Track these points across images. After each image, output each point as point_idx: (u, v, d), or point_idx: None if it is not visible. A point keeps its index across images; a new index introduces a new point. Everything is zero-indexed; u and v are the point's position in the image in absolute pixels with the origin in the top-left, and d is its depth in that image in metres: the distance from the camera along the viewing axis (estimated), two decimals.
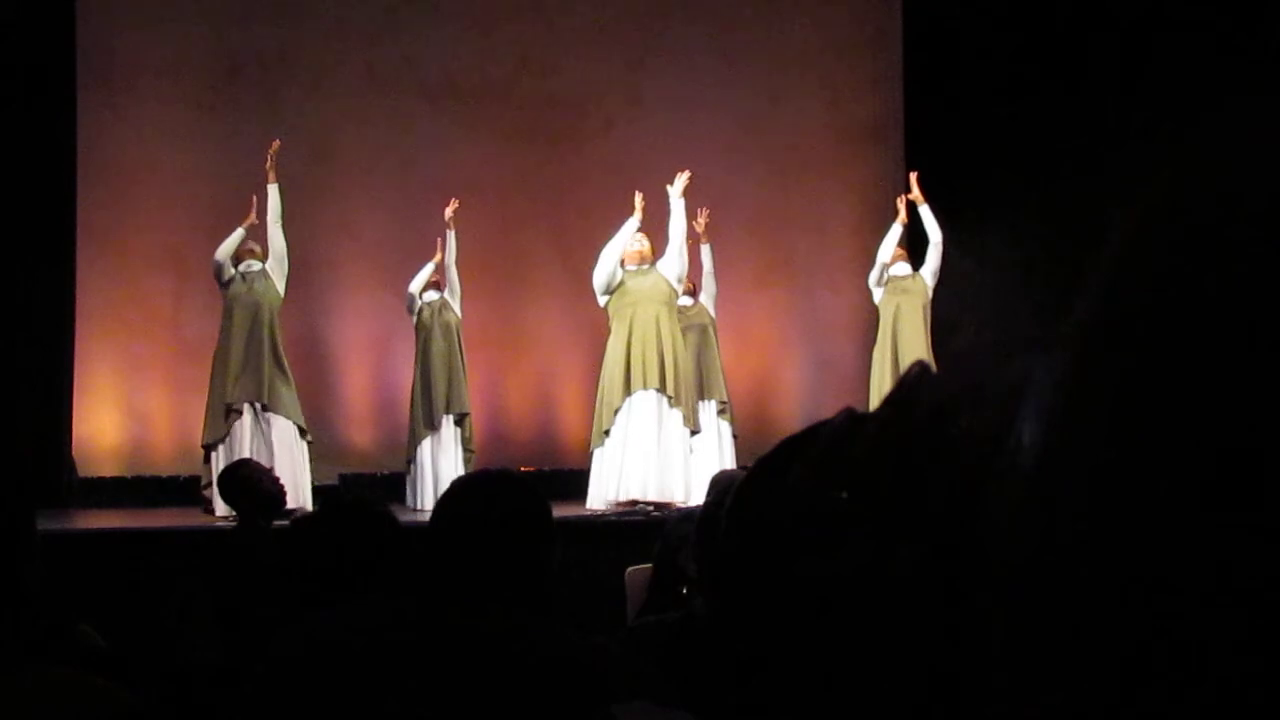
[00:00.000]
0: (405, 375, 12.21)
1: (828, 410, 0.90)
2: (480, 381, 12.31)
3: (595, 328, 12.79)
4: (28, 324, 11.75)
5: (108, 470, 12.32)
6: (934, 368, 1.14)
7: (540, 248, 12.65)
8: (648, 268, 10.79)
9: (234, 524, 7.66)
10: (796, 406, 12.64)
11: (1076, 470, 0.61)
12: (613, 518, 10.21)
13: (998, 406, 0.97)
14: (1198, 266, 0.57)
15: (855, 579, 1.17)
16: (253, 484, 7.29)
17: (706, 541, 3.95)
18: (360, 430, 13.04)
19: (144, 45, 12.84)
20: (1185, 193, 0.59)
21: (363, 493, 8.35)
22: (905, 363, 11.61)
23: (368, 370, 13.10)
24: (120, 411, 12.44)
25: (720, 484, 7.31)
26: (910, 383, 1.10)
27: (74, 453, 12.11)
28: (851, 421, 1.08)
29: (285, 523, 6.49)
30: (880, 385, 11.48)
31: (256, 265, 11.03)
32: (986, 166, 12.98)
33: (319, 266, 12.93)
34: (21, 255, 11.81)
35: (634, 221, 10.82)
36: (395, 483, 11.66)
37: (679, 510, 8.20)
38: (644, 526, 9.03)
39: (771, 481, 1.19)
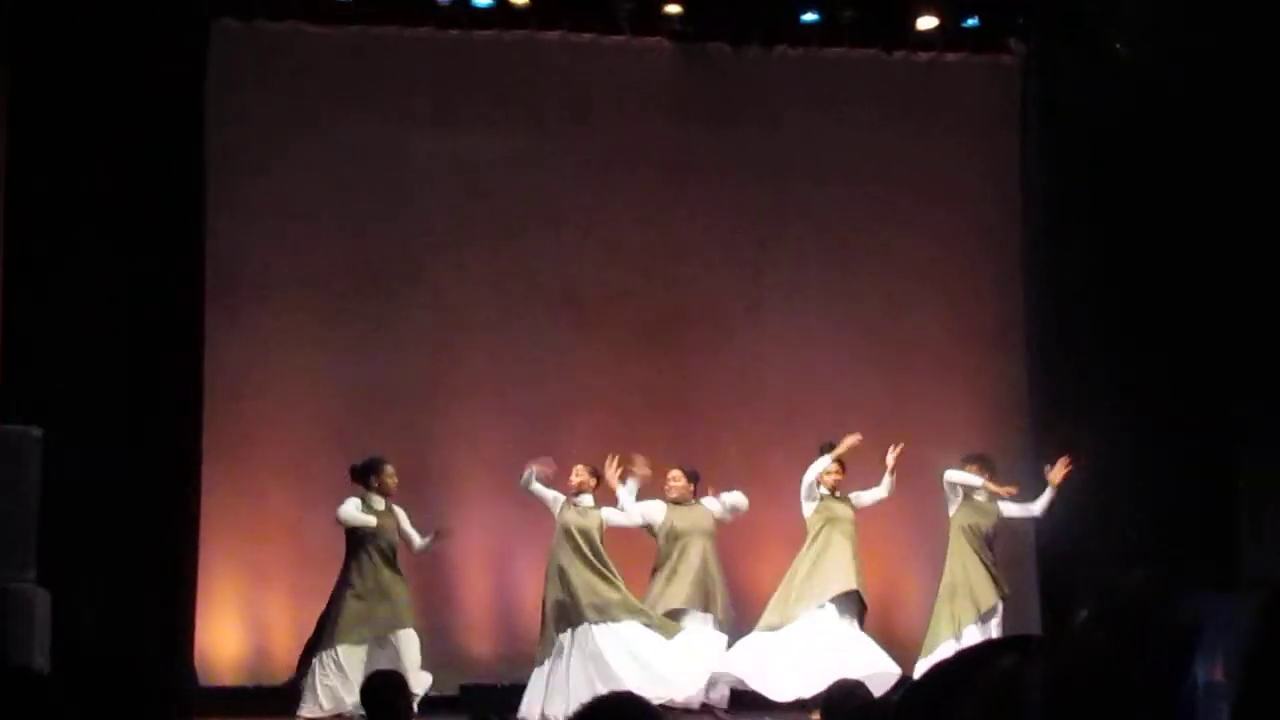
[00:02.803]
0: (527, 584, 12.22)
1: None
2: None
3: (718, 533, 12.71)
4: (153, 533, 11.86)
5: (229, 679, 12.33)
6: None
7: (661, 456, 12.63)
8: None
9: None
10: (920, 613, 12.46)
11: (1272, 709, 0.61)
12: None
13: (1172, 649, 0.96)
14: None
15: None
16: (402, 697, 7.26)
17: None
18: (481, 640, 13.00)
19: (271, 258, 13.07)
20: None
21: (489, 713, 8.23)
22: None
23: (489, 579, 13.10)
24: (242, 620, 12.48)
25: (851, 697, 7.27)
26: (1081, 627, 1.09)
27: (195, 661, 12.15)
28: (1022, 663, 1.06)
29: None
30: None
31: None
32: (1107, 372, 12.91)
33: (439, 476, 13.01)
34: (148, 466, 11.96)
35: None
36: (515, 692, 11.64)
37: None
38: None
39: (933, 714, 1.18)
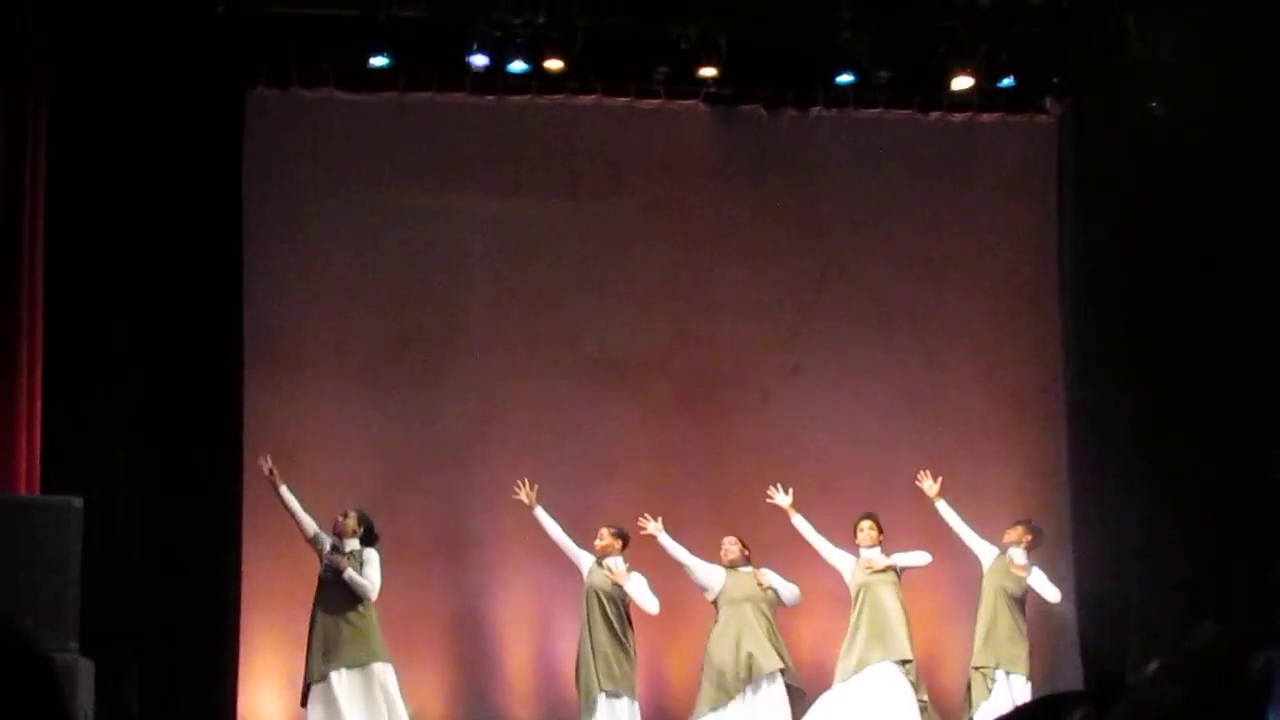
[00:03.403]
0: (567, 646, 12.21)
1: None
2: (642, 656, 12.30)
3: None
4: (196, 602, 11.89)
5: None
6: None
7: (699, 519, 12.62)
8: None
9: None
10: (961, 677, 12.40)
11: None
12: None
13: (1244, 700, 0.95)
14: None
15: None
16: None
17: None
18: (521, 703, 12.97)
19: (309, 324, 13.11)
20: None
21: None
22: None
23: (528, 642, 13.07)
24: (284, 688, 12.44)
25: None
26: (1151, 679, 1.08)
27: None
28: (1093, 715, 1.05)
29: None
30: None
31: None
32: (1149, 433, 12.89)
33: (477, 540, 13.01)
34: (189, 538, 12.00)
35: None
36: None
37: None
38: None
39: None
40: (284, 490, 11.83)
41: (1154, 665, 1.00)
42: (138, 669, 11.48)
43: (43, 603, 9.28)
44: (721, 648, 11.93)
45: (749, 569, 12.17)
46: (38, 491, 10.52)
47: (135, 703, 11.28)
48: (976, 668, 12.00)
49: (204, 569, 12.06)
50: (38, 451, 10.73)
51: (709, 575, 12.17)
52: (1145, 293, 12.92)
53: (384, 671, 11.56)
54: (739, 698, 11.80)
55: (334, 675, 11.43)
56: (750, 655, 11.83)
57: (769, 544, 12.39)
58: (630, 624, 11.97)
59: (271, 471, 11.84)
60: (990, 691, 11.83)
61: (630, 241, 13.60)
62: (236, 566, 12.30)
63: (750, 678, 11.82)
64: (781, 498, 12.28)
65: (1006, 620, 12.01)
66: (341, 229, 13.23)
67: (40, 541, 9.72)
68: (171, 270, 12.22)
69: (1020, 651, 11.97)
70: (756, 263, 13.67)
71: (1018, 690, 11.83)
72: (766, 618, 12.01)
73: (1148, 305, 12.92)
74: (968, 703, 11.99)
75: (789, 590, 12.16)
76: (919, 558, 12.16)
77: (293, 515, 11.82)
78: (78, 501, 10.03)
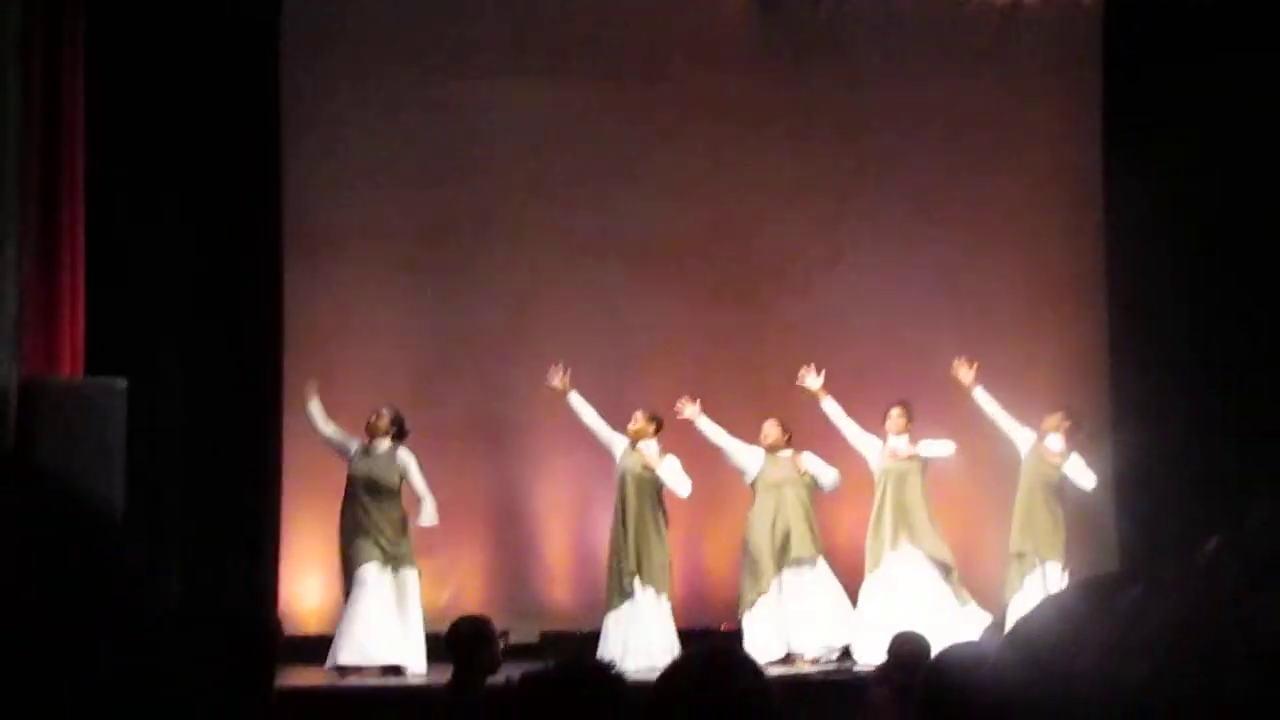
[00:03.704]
0: (605, 532, 12.28)
1: None
2: (679, 543, 12.39)
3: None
4: (237, 489, 12.00)
5: (313, 629, 12.43)
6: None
7: (738, 407, 12.63)
8: None
9: (448, 682, 7.45)
10: (1000, 563, 12.42)
11: None
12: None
13: None
14: None
15: None
16: (493, 643, 7.27)
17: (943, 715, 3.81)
18: (560, 588, 13.08)
19: (346, 211, 13.11)
20: None
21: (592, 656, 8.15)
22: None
23: (567, 528, 13.16)
24: (325, 571, 12.55)
25: (917, 651, 7.35)
26: (1209, 557, 1.09)
27: (280, 612, 12.25)
28: (1149, 596, 1.06)
29: None
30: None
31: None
32: (1190, 320, 12.84)
33: (516, 428, 13.07)
34: (230, 421, 12.09)
35: None
36: (595, 639, 11.72)
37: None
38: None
39: (1054, 657, 1.17)
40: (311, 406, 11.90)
41: (1213, 542, 1.01)
42: (181, 551, 11.59)
43: (87, 484, 9.35)
44: (758, 530, 11.97)
45: (788, 453, 12.19)
46: (82, 374, 10.59)
47: (178, 584, 11.38)
48: (1016, 554, 12.03)
49: (246, 451, 12.16)
50: (81, 335, 10.79)
51: (747, 457, 12.20)
52: (1193, 176, 12.77)
53: (411, 576, 11.61)
54: (776, 582, 11.84)
55: (367, 568, 11.44)
56: (786, 536, 11.88)
57: (809, 430, 12.42)
58: (664, 510, 12.00)
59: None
60: (1024, 580, 11.85)
61: (669, 129, 13.55)
62: (278, 449, 12.40)
63: (785, 559, 11.87)
64: (812, 380, 12.27)
65: (1044, 508, 12.02)
66: (379, 115, 13.21)
67: (85, 424, 9.81)
68: (210, 157, 12.25)
69: (1057, 539, 11.99)
70: (796, 150, 13.62)
71: (1052, 578, 11.85)
72: (804, 504, 12.03)
73: (1197, 188, 12.77)
74: (1007, 589, 12.01)
75: (828, 475, 12.18)
76: (944, 448, 12.16)
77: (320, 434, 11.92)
78: (121, 383, 10.12)
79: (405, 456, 11.73)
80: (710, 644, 3.23)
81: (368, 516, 11.54)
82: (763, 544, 11.89)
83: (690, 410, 12.17)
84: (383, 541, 11.48)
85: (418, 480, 11.68)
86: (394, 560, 11.50)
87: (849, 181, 13.66)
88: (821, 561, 12.01)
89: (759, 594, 11.87)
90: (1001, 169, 13.70)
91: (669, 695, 2.80)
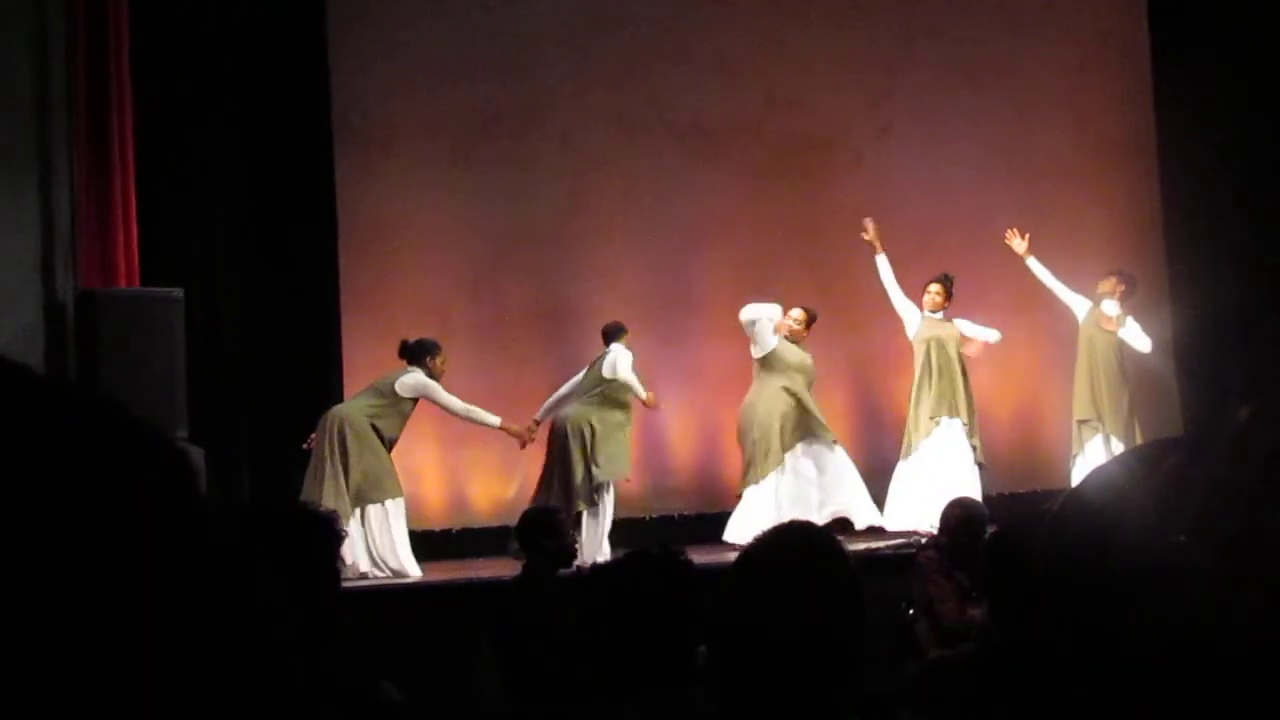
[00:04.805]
0: (669, 419, 12.29)
1: None
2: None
3: (853, 360, 12.76)
4: (297, 384, 12.03)
5: None
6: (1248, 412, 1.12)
7: (796, 284, 12.60)
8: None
9: (519, 574, 7.45)
10: (1064, 430, 12.40)
11: None
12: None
13: None
14: None
15: (1195, 622, 1.16)
16: (562, 533, 7.31)
17: (1005, 575, 3.86)
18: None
19: (396, 105, 13.09)
20: None
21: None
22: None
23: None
24: None
25: (974, 515, 7.39)
26: (1245, 427, 1.08)
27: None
28: (1189, 462, 1.06)
29: None
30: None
31: None
32: (1239, 180, 12.73)
33: (574, 313, 13.06)
34: (289, 316, 12.13)
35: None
36: (663, 525, 11.80)
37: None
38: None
39: (1103, 521, 1.17)
40: None
41: (1246, 410, 1.01)
42: (247, 455, 11.68)
43: (151, 394, 9.43)
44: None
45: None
46: (138, 285, 10.63)
47: (246, 487, 11.49)
48: (1080, 421, 11.98)
49: (305, 352, 12.20)
50: (135, 246, 10.83)
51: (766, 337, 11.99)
52: (1242, 37, 12.62)
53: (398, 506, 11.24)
54: (789, 458, 11.72)
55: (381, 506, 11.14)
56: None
57: (865, 303, 12.40)
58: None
59: None
60: (1087, 446, 11.81)
61: (717, 6, 13.46)
62: (337, 348, 12.44)
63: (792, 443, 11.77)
64: (872, 233, 12.10)
65: (1104, 374, 11.96)
66: (424, 9, 13.15)
67: (144, 334, 9.88)
68: (257, 57, 12.21)
69: (1120, 403, 11.92)
70: (844, 24, 13.54)
71: (1116, 443, 11.81)
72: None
73: (1245, 50, 12.63)
74: (1072, 456, 11.97)
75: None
76: (988, 333, 12.07)
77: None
78: (178, 292, 10.17)
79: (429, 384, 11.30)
80: (791, 522, 3.23)
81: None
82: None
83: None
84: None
85: (445, 401, 11.35)
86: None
87: (896, 53, 13.57)
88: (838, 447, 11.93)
89: (759, 480, 11.70)
90: (1048, 32, 13.60)
91: (753, 569, 2.78)
